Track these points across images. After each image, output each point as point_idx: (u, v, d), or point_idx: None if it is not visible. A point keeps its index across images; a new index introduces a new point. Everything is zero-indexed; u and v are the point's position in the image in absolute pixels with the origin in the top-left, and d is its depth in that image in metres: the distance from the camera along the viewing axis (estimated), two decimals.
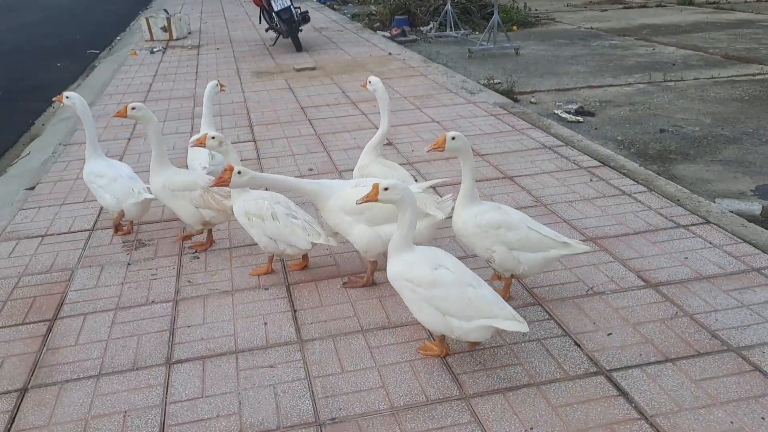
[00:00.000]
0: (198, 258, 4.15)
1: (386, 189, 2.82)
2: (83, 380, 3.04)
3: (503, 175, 5.23)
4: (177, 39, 13.32)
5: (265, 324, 3.42)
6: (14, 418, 2.82)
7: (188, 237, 4.36)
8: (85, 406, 2.86)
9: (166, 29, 13.29)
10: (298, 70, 9.80)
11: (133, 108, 4.07)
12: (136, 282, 3.91)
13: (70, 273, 4.05)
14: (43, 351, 3.28)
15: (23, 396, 2.96)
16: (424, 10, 14.06)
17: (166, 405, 2.85)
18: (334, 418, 2.72)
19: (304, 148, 6.15)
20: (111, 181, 4.36)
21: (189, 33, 13.99)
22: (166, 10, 14.04)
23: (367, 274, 3.72)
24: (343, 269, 3.93)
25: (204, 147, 3.80)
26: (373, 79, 4.22)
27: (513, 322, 2.76)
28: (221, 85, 5.08)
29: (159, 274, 3.98)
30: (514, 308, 3.37)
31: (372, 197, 2.84)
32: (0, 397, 2.95)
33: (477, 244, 3.30)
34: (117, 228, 4.54)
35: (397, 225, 2.91)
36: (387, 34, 12.95)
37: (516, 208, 4.51)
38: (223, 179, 3.32)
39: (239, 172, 3.32)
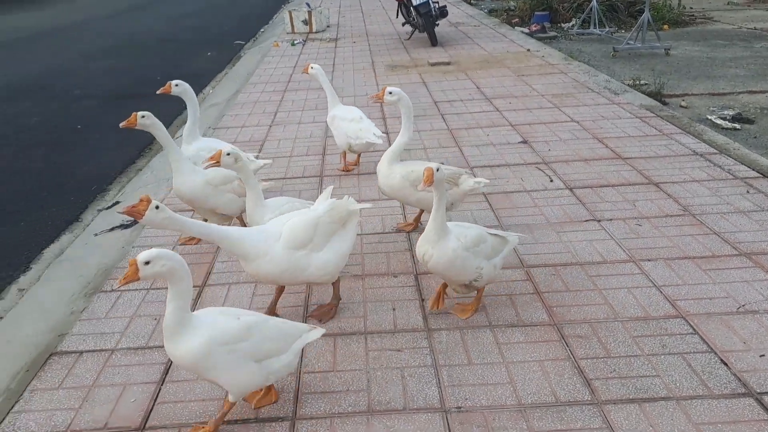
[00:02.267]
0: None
1: (147, 263, 2.33)
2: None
3: (647, 181, 4.96)
4: (316, 32, 13.85)
5: (394, 310, 3.49)
6: (168, 369, 3.10)
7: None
8: None
9: (306, 22, 13.86)
10: (433, 65, 9.86)
11: (143, 116, 3.96)
12: None
13: (216, 246, 4.35)
14: None
15: None
16: (566, 6, 13.60)
17: (300, 374, 3.01)
18: (460, 407, 2.74)
19: (436, 143, 6.19)
20: None
21: (327, 26, 14.49)
22: (308, 4, 14.64)
23: (334, 294, 3.53)
24: None
25: (219, 165, 3.42)
26: (394, 89, 4.09)
27: (315, 331, 2.79)
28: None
29: None
30: (654, 319, 3.25)
31: (131, 276, 2.33)
32: (157, 350, 3.25)
33: (467, 267, 3.18)
34: None
35: (168, 300, 2.42)
36: (525, 30, 12.68)
37: (661, 216, 4.34)
38: (136, 209, 2.72)
39: (157, 207, 2.74)
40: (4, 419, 2.83)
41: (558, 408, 2.70)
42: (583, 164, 5.39)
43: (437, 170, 3.03)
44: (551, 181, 5.08)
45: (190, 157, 4.81)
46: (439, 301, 3.45)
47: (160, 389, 2.96)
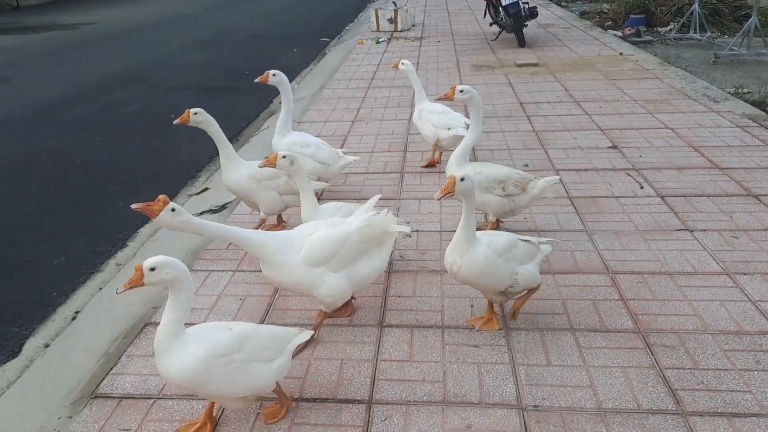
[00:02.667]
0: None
1: (152, 269, 2.32)
2: (308, 326, 3.36)
3: (746, 193, 4.71)
4: (401, 31, 13.91)
5: (472, 306, 3.49)
6: None
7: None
8: (309, 349, 3.18)
9: (392, 21, 13.95)
10: (520, 66, 9.72)
11: (195, 113, 4.00)
12: None
13: None
14: (276, 296, 3.70)
15: None
16: (664, 10, 13.03)
17: (377, 361, 3.06)
18: (537, 406, 2.71)
19: (521, 144, 6.11)
20: (317, 149, 4.73)
21: (413, 25, 14.53)
22: (394, 2, 14.74)
23: (316, 321, 3.27)
24: (555, 266, 3.85)
25: (274, 167, 3.44)
26: (465, 87, 4.03)
27: (302, 334, 2.75)
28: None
29: None
30: (748, 334, 3.09)
31: (136, 281, 2.31)
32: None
33: (500, 274, 3.05)
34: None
35: (166, 309, 2.40)
36: (619, 33, 12.27)
37: (760, 230, 4.11)
38: (151, 209, 2.65)
39: (173, 210, 2.68)
40: (103, 379, 3.04)
41: (640, 415, 2.62)
42: (677, 172, 5.17)
43: (462, 180, 2.89)
44: (641, 188, 4.91)
45: (281, 150, 4.96)
46: (493, 319, 3.28)
47: None
